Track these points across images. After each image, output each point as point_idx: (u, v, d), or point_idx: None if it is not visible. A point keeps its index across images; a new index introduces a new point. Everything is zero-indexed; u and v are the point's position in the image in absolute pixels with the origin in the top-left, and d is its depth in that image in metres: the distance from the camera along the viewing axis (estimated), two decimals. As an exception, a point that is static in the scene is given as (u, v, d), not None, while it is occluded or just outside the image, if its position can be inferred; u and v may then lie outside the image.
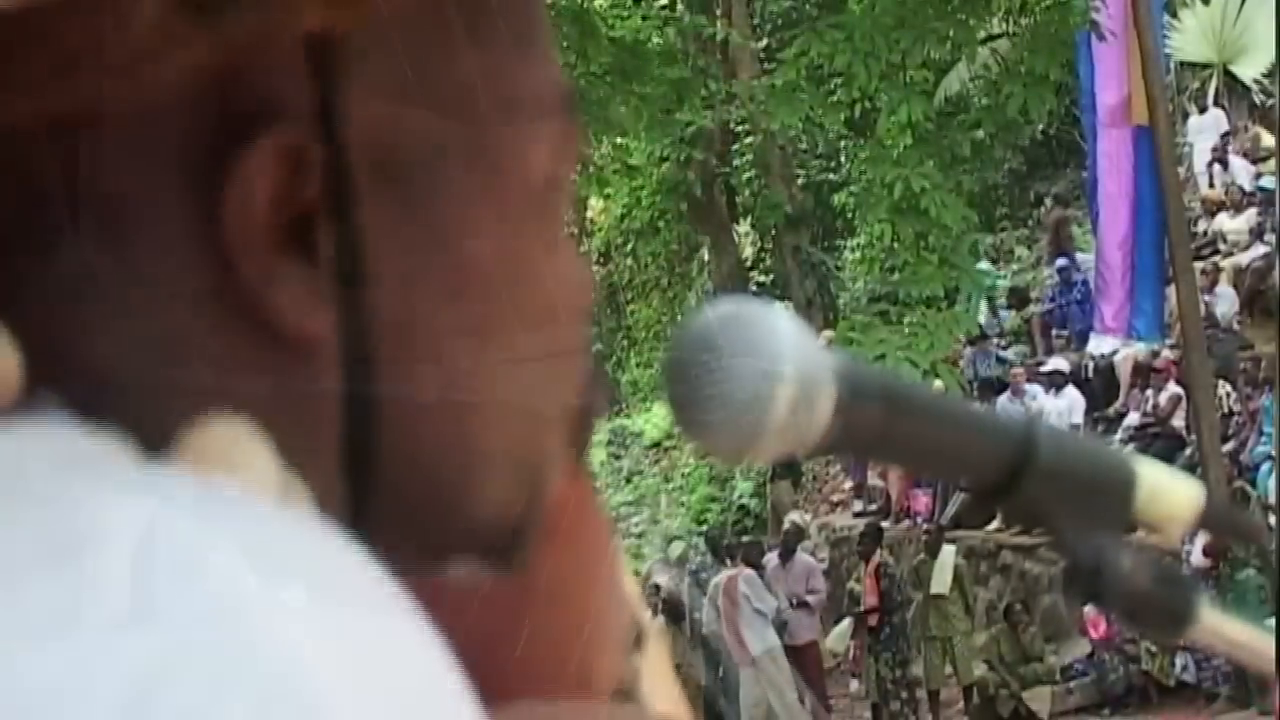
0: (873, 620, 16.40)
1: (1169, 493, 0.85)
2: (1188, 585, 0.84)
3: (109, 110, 0.56)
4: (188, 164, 0.57)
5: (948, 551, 16.18)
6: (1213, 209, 20.09)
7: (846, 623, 17.00)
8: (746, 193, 25.89)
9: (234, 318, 0.58)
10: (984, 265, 22.26)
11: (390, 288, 0.60)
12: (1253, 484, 14.98)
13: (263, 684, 0.45)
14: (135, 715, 0.43)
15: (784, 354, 0.72)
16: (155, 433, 0.55)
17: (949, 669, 16.15)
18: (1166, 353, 17.11)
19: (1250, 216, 19.21)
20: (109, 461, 0.53)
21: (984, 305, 21.60)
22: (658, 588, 18.16)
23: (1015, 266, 23.66)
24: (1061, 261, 20.90)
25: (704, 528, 22.29)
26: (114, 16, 0.54)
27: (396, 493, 0.62)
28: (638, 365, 29.49)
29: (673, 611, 17.20)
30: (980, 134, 15.89)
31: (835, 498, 22.38)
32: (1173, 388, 16.58)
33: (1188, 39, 22.11)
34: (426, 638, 0.50)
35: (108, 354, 0.57)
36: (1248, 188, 19.78)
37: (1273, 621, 0.92)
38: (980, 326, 18.38)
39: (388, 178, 0.60)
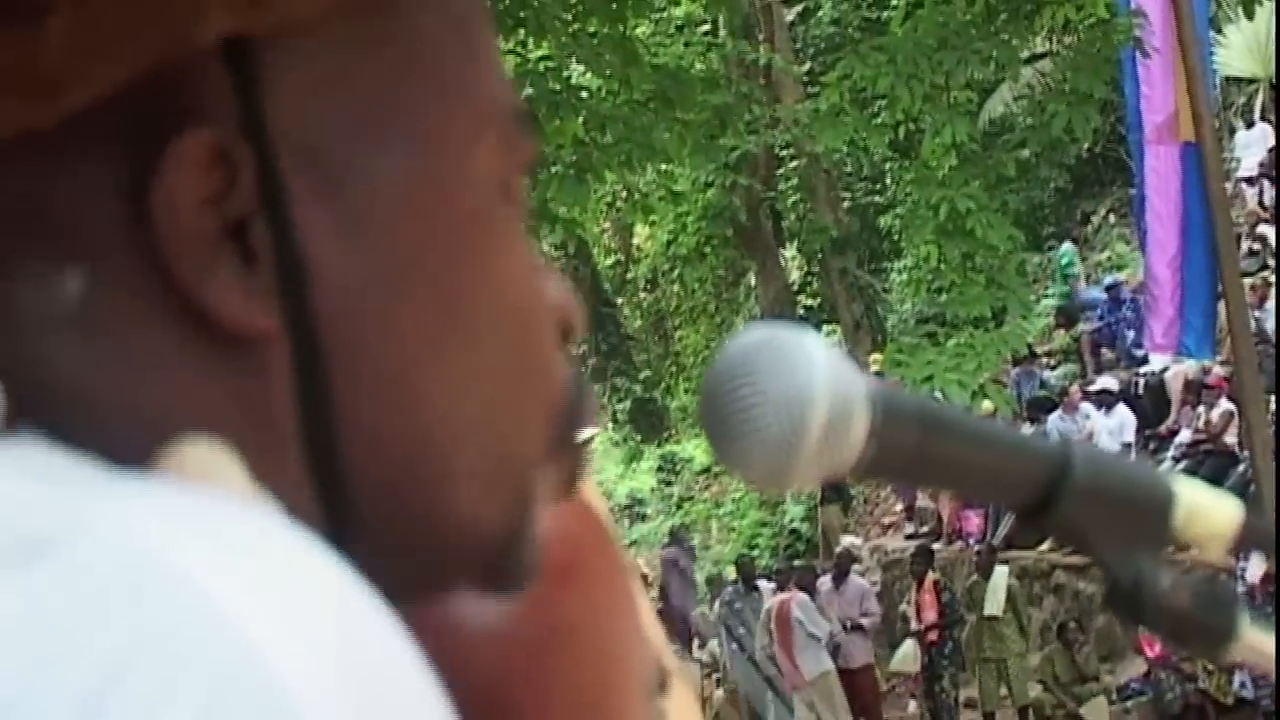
0: (933, 636, 16.33)
1: (1208, 511, 0.85)
2: (1228, 603, 0.84)
3: (31, 126, 0.57)
4: (115, 175, 0.58)
5: (1000, 573, 16.09)
6: (1257, 223, 19.97)
7: (910, 643, 16.92)
8: (792, 217, 25.92)
9: (184, 328, 0.59)
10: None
11: (336, 289, 0.61)
12: (1308, 500, 14.86)
13: (222, 671, 0.45)
14: (91, 714, 0.44)
15: (817, 379, 0.73)
16: (127, 455, 0.56)
17: (1004, 690, 16.06)
18: (1218, 369, 17.01)
19: (1299, 231, 19.10)
20: (81, 473, 0.54)
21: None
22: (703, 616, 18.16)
23: (1065, 286, 23.58)
24: (1110, 279, 20.82)
25: (755, 552, 22.27)
26: (18, 48, 0.55)
27: (370, 504, 0.62)
28: (686, 391, 29.48)
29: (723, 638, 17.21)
30: (1025, 154, 15.84)
31: (886, 520, 22.32)
32: (1225, 404, 16.46)
33: (1233, 54, 21.99)
34: (391, 626, 0.51)
35: (72, 378, 0.58)
36: (1295, 202, 19.67)
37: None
38: (1029, 346, 18.30)
39: (322, 177, 0.61)
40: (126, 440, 0.57)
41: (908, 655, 16.92)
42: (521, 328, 0.67)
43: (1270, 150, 20.86)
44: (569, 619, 0.93)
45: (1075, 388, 18.61)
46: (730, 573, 20.06)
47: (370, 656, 0.49)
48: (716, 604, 18.37)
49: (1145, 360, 18.68)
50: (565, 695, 0.91)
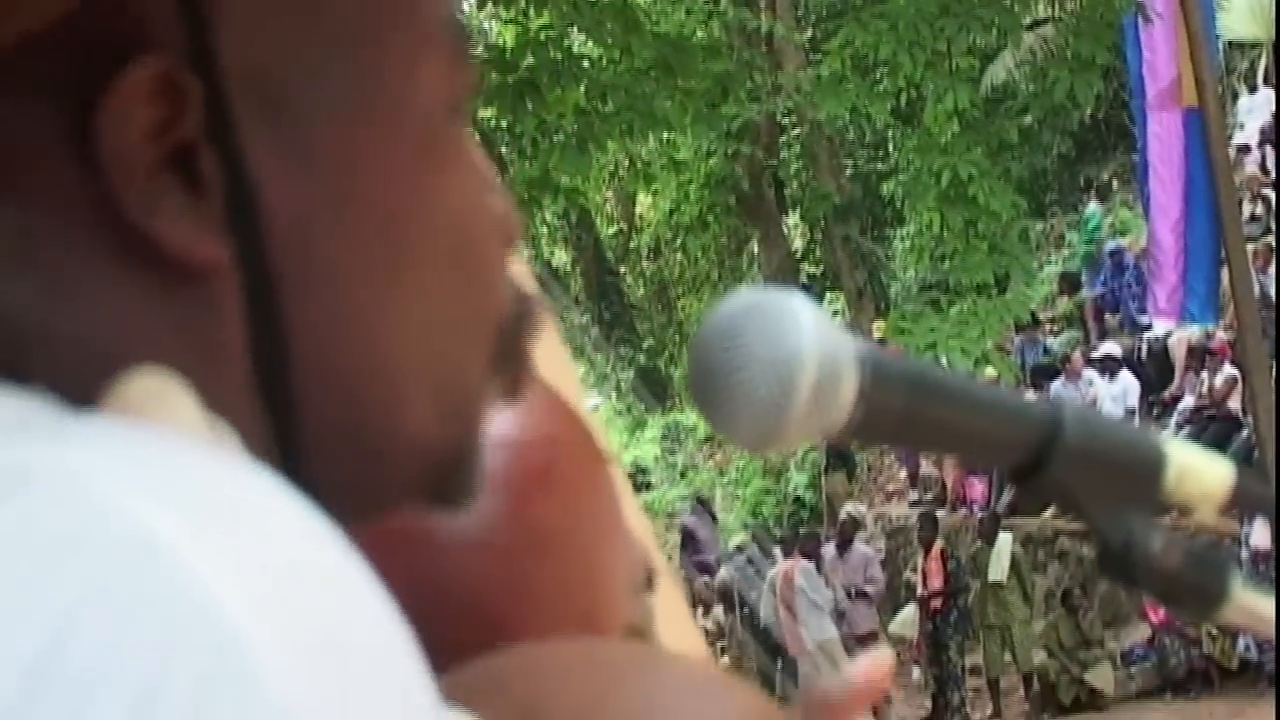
0: (937, 603, 16.36)
1: (1199, 472, 0.85)
2: (1220, 565, 0.84)
3: None
4: (59, 102, 0.57)
5: (1004, 539, 16.12)
6: (1258, 189, 19.92)
7: (911, 608, 16.97)
8: (795, 185, 25.87)
9: (129, 258, 0.58)
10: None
11: (285, 216, 0.60)
12: (1312, 464, 14.86)
13: (174, 619, 0.45)
14: (43, 664, 0.43)
15: (805, 341, 0.73)
16: (76, 389, 0.55)
17: (1008, 657, 16.10)
18: (1221, 334, 17.00)
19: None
20: (27, 418, 0.53)
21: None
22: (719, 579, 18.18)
23: (1066, 252, 23.54)
24: (1113, 245, 20.80)
25: (759, 520, 22.30)
26: None
27: (319, 429, 0.62)
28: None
29: (731, 603, 17.23)
30: (1028, 120, 15.82)
31: (890, 488, 22.33)
32: (1228, 369, 16.46)
33: (1236, 18, 21.92)
34: (355, 568, 0.50)
35: (16, 312, 0.57)
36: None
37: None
38: (1032, 313, 18.28)
39: (269, 103, 0.60)
40: (72, 374, 0.56)
41: (907, 620, 16.97)
42: (468, 247, 0.66)
43: (1274, 115, 20.82)
44: (549, 524, 0.92)
45: (1078, 354, 18.60)
46: (734, 540, 20.09)
47: (330, 597, 0.48)
48: (724, 570, 18.39)
49: (1149, 326, 18.68)
50: (550, 602, 0.91)
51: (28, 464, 0.48)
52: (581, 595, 0.92)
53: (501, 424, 0.91)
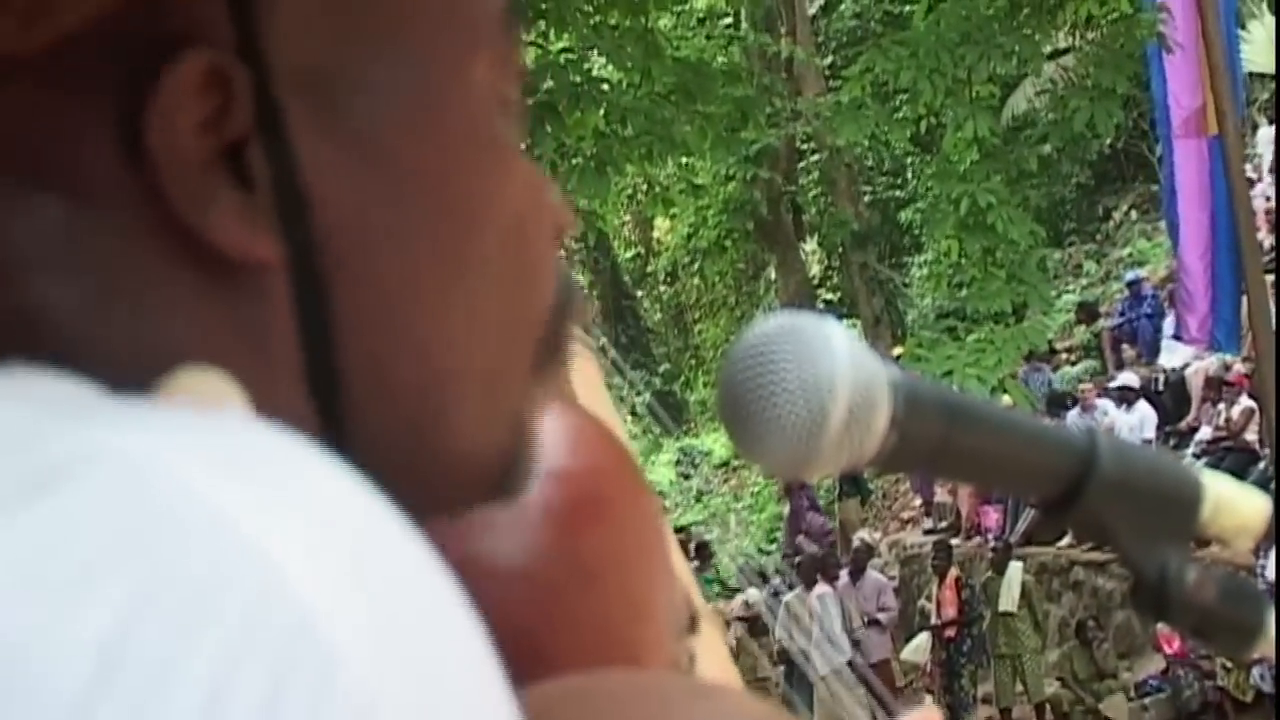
0: (951, 632, 16.32)
1: (1236, 505, 0.84)
2: (1256, 598, 0.83)
3: (21, 50, 0.55)
4: (107, 97, 0.56)
5: (1015, 568, 16.08)
6: (1274, 221, 19.87)
7: (924, 636, 16.94)
8: (813, 210, 25.92)
9: (179, 256, 0.57)
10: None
11: (336, 212, 0.59)
12: (1328, 497, 14.79)
13: (249, 602, 0.44)
14: (114, 649, 0.42)
15: (838, 367, 0.72)
16: (125, 390, 0.54)
17: (1019, 687, 16.06)
18: (1239, 365, 16.96)
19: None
20: (81, 399, 0.52)
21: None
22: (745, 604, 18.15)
23: (1084, 281, 23.52)
24: (1131, 275, 20.76)
25: (774, 546, 22.27)
26: None
27: (369, 432, 0.61)
28: (705, 385, 29.51)
29: (753, 627, 17.19)
30: (1047, 149, 15.80)
31: (905, 515, 22.30)
32: (1245, 401, 16.42)
33: (1257, 49, 21.90)
34: (422, 551, 0.49)
35: (60, 312, 0.56)
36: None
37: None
38: (1049, 342, 18.22)
39: (320, 97, 0.59)
40: (121, 374, 0.54)
41: (919, 646, 16.93)
42: (520, 243, 0.65)
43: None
44: (595, 558, 0.91)
45: (1090, 386, 18.55)
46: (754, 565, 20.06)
47: (399, 577, 0.47)
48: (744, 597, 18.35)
49: (1159, 360, 18.67)
50: (592, 636, 0.90)
51: (89, 446, 0.47)
52: (625, 629, 0.91)
53: (549, 453, 0.90)
